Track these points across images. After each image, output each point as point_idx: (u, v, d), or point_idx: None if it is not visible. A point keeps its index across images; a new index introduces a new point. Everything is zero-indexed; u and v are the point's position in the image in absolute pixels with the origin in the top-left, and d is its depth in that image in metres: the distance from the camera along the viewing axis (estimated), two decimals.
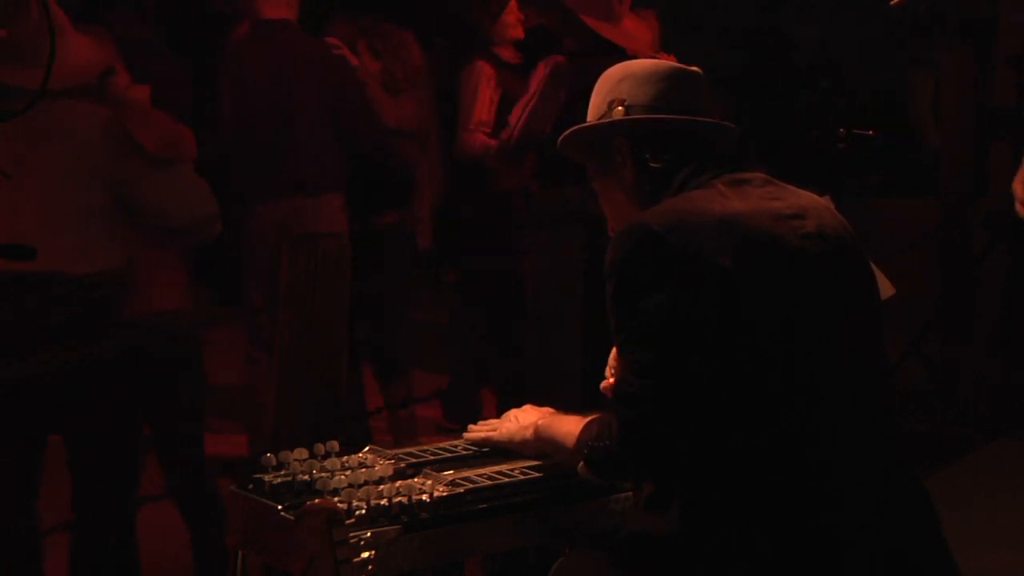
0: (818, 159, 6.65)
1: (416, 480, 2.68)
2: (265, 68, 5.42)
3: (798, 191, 2.65)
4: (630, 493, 2.76)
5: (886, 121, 8.70)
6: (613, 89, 2.73)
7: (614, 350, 2.90)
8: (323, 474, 2.68)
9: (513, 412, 2.94)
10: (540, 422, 2.80)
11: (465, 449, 2.93)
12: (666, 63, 2.76)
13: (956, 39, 6.76)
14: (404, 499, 2.57)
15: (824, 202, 2.66)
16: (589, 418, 2.62)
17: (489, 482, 2.69)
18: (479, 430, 2.98)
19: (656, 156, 2.66)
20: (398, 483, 2.62)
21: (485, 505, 2.65)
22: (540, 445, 2.79)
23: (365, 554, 2.48)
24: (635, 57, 3.70)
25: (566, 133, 2.78)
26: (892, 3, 4.72)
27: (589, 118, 2.77)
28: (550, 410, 2.85)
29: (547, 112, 5.21)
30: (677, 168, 2.64)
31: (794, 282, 2.49)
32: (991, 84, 7.95)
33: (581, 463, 2.54)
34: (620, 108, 2.69)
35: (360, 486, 2.62)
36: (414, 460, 2.83)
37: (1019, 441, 6.00)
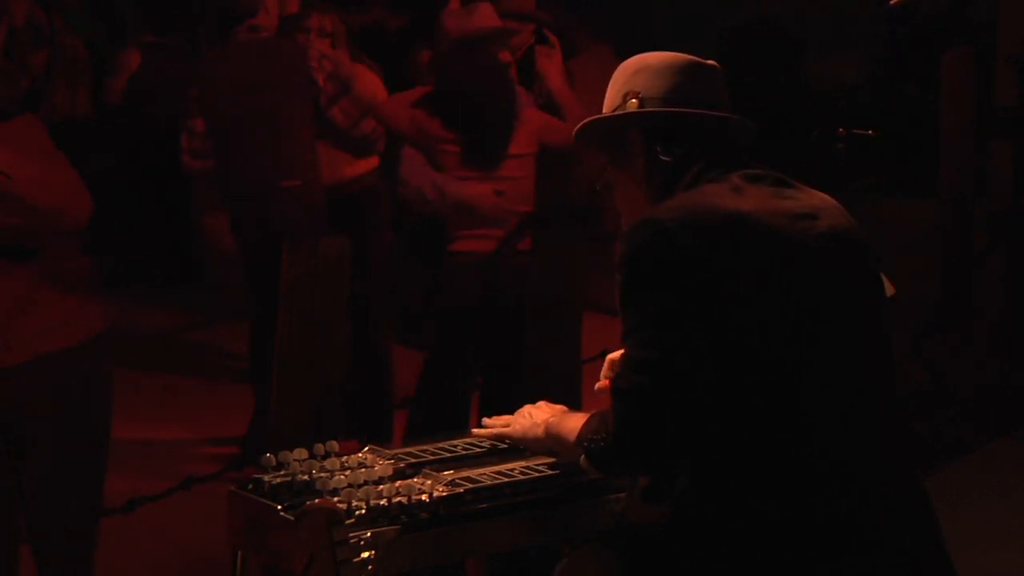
0: (818, 159, 6.64)
1: (416, 480, 2.68)
2: None
3: (811, 191, 2.64)
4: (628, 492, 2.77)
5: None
6: (628, 81, 2.71)
7: (608, 356, 2.90)
8: (323, 474, 2.68)
9: (527, 408, 2.93)
10: (550, 420, 2.79)
11: (465, 449, 2.92)
12: (683, 56, 2.71)
13: (956, 39, 6.76)
14: (404, 499, 2.56)
15: (836, 203, 2.64)
16: (592, 413, 2.62)
17: (489, 482, 2.68)
18: (493, 425, 2.98)
19: (668, 149, 2.64)
20: (398, 483, 2.62)
21: (485, 505, 2.64)
22: (549, 443, 2.79)
23: (365, 554, 2.48)
24: None
25: (581, 124, 2.76)
26: (892, 3, 4.72)
27: (604, 109, 2.74)
28: (563, 408, 2.85)
29: None
30: (690, 162, 2.61)
31: (804, 282, 2.49)
32: (991, 84, 7.95)
33: (582, 457, 2.55)
34: (634, 101, 2.67)
35: (360, 486, 2.61)
36: (414, 460, 2.82)
37: (1019, 441, 6.00)
